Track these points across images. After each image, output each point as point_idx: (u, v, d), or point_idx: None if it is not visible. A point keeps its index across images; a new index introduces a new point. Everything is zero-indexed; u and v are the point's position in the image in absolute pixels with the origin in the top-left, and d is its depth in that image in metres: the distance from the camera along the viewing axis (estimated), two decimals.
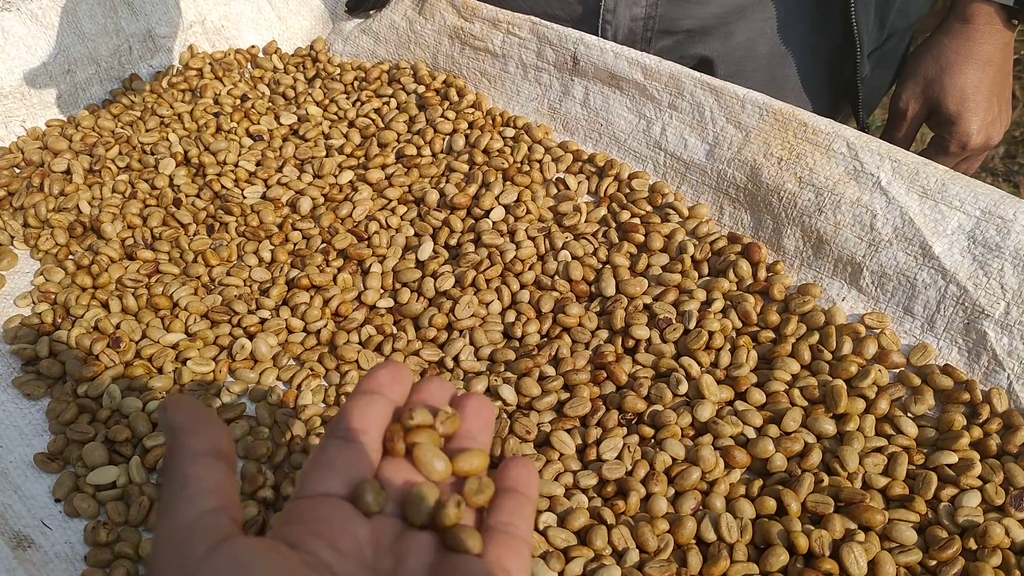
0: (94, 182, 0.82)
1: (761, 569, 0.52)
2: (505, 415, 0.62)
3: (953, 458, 0.57)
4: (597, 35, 0.86)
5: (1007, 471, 0.55)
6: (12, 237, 0.78)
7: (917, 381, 0.62)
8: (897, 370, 0.63)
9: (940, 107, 0.87)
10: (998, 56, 0.84)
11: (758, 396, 0.62)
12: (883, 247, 0.66)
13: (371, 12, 1.00)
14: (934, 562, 0.52)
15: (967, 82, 0.85)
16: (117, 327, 0.68)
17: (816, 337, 0.65)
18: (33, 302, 0.73)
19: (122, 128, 0.88)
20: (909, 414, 0.60)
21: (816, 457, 0.58)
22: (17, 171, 0.84)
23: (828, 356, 0.64)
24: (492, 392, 0.64)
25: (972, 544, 0.53)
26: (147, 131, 0.88)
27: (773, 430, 0.59)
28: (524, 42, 0.87)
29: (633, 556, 0.53)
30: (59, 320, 0.70)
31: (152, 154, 0.85)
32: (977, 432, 0.58)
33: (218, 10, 0.99)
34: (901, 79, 0.90)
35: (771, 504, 0.55)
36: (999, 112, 0.86)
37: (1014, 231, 0.62)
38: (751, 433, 0.60)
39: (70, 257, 0.76)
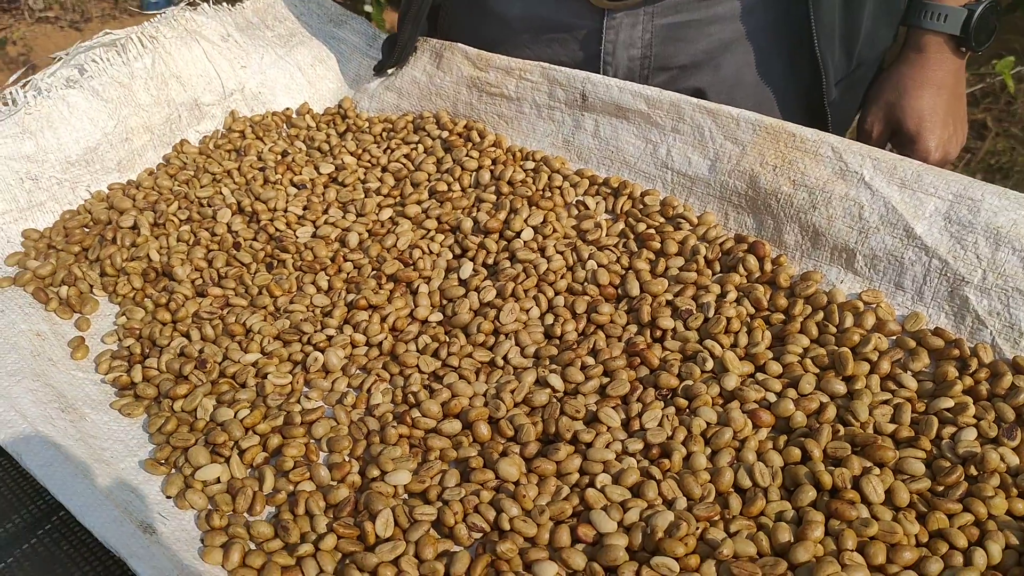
0: (160, 233, 0.91)
1: (793, 505, 0.60)
2: (555, 400, 0.70)
3: (950, 403, 0.65)
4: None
5: (997, 409, 0.64)
6: (91, 286, 0.86)
7: (912, 344, 0.70)
8: (894, 337, 0.72)
9: (901, 128, 0.97)
10: (951, 80, 0.95)
11: (776, 367, 0.70)
12: (872, 233, 0.75)
13: (392, 70, 1.10)
14: (942, 488, 0.60)
15: (924, 105, 0.95)
16: (200, 351, 0.77)
17: (821, 315, 0.74)
18: (119, 338, 0.81)
19: (179, 186, 0.98)
20: (908, 371, 0.69)
21: (831, 412, 0.66)
22: (87, 230, 0.93)
23: (833, 330, 0.72)
24: (541, 382, 0.72)
25: (972, 471, 0.61)
26: (202, 187, 0.97)
27: (792, 393, 0.68)
28: (536, 85, 0.98)
29: (681, 503, 0.61)
30: (147, 351, 0.78)
31: (209, 206, 0.95)
32: (968, 381, 0.67)
33: (255, 79, 1.10)
34: (865, 104, 1.01)
35: (796, 453, 0.63)
36: (955, 131, 0.97)
37: (983, 209, 0.71)
38: (772, 398, 0.68)
39: (147, 298, 0.85)
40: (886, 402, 0.66)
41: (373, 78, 1.12)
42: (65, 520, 0.66)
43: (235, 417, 0.70)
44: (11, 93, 0.94)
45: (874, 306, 0.73)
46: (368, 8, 3.46)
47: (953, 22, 0.91)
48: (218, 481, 0.66)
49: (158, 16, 1.05)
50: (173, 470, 0.67)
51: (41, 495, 0.68)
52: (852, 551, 0.56)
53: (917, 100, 0.95)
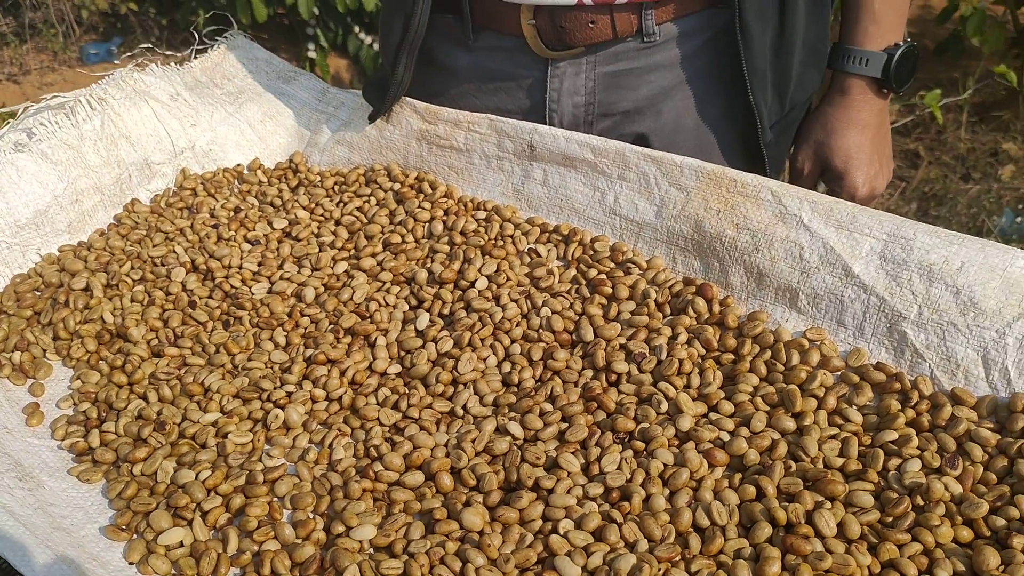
0: (113, 295, 0.91)
1: (750, 542, 0.62)
2: (515, 447, 0.71)
3: (894, 435, 0.68)
4: (545, 122, 0.99)
5: (939, 440, 0.67)
6: (44, 350, 0.86)
7: (856, 379, 0.73)
8: (838, 372, 0.75)
9: (829, 165, 1.02)
10: (874, 120, 1.00)
11: (728, 407, 0.73)
12: (813, 273, 0.78)
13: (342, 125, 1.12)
14: (891, 519, 0.62)
15: (850, 143, 1.00)
16: (159, 414, 0.77)
17: (768, 354, 0.76)
18: (75, 403, 0.80)
19: (131, 246, 0.98)
20: (853, 405, 0.71)
21: (783, 449, 0.68)
22: (38, 293, 0.93)
23: (781, 368, 0.75)
24: (501, 430, 0.73)
25: (919, 501, 0.63)
26: (155, 246, 0.97)
27: (744, 432, 0.70)
28: (485, 137, 1.00)
29: (643, 545, 0.63)
30: (103, 414, 0.78)
31: (163, 265, 0.95)
32: (911, 413, 0.70)
33: (206, 136, 1.10)
34: (796, 143, 1.06)
35: (751, 490, 0.66)
36: (880, 167, 1.02)
37: (915, 247, 0.75)
38: (726, 437, 0.70)
39: (102, 361, 0.84)
40: (834, 436, 0.69)
41: (323, 132, 1.13)
42: None
43: (196, 479, 0.70)
44: None
45: (818, 343, 0.76)
46: (311, 54, 3.48)
47: (874, 66, 0.96)
48: (181, 545, 0.66)
49: (106, 77, 1.06)
50: (135, 535, 0.67)
51: None
52: None
53: (843, 139, 1.00)
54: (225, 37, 1.21)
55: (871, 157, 1.00)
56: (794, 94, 0.99)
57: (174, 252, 0.97)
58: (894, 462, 0.66)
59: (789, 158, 1.08)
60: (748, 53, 0.92)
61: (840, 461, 0.67)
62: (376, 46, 3.44)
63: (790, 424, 0.70)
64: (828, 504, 0.63)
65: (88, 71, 1.17)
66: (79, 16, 4.15)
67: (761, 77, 0.94)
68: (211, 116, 1.12)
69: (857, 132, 0.99)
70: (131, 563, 0.65)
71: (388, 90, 1.03)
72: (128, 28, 4.22)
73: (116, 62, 3.85)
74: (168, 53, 1.10)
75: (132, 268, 0.95)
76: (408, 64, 1.01)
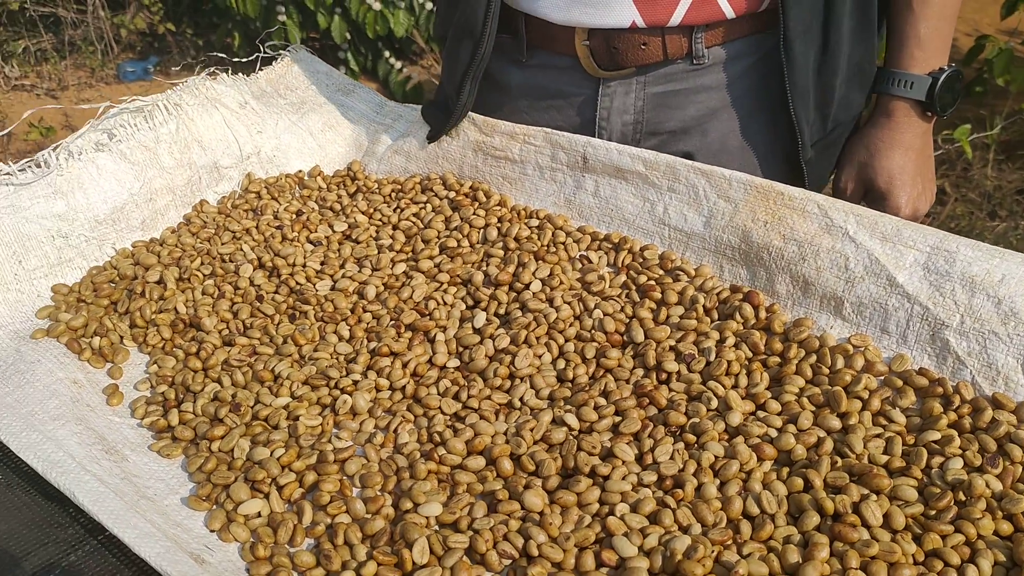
0: (185, 287, 0.96)
1: (799, 530, 0.66)
2: (572, 437, 0.75)
3: (937, 435, 0.71)
4: None
5: (980, 440, 0.70)
6: (121, 337, 0.91)
7: (899, 383, 0.76)
8: (882, 377, 0.78)
9: (872, 186, 1.05)
10: (918, 142, 1.03)
11: (775, 406, 0.76)
12: (857, 282, 0.82)
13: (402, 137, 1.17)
14: (934, 512, 0.65)
15: (893, 165, 1.03)
16: (233, 396, 0.81)
17: (814, 358, 0.80)
18: (152, 385, 0.85)
19: (201, 243, 1.03)
20: (897, 408, 0.75)
21: (829, 445, 0.72)
22: (113, 285, 0.98)
23: (826, 371, 0.79)
24: (557, 421, 0.77)
25: (961, 496, 0.66)
26: (223, 244, 1.02)
27: (791, 429, 0.74)
28: (539, 149, 1.05)
29: (696, 528, 0.66)
30: (181, 396, 0.82)
31: (231, 261, 1.00)
32: (952, 416, 0.73)
33: (270, 143, 1.16)
34: (839, 164, 1.10)
35: (799, 483, 0.69)
36: (923, 189, 1.05)
37: (958, 260, 0.79)
38: (774, 433, 0.74)
39: (176, 348, 0.89)
40: (878, 435, 0.72)
41: (381, 142, 1.18)
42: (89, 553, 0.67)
43: (271, 456, 0.74)
44: (43, 156, 0.99)
45: (862, 349, 0.80)
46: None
47: (919, 89, 1.00)
48: (259, 515, 0.70)
49: (180, 84, 1.12)
50: (215, 506, 0.71)
51: (64, 528, 0.70)
52: (856, 569, 0.61)
53: (887, 160, 1.03)
54: (288, 51, 1.27)
55: (914, 179, 1.03)
56: (837, 113, 1.02)
57: (241, 250, 1.02)
58: (936, 460, 0.69)
59: (832, 178, 1.12)
60: (791, 71, 0.96)
61: (885, 458, 0.70)
62: (405, 71, 3.52)
63: (836, 423, 0.73)
64: (874, 497, 0.66)
65: (125, 88, 1.22)
66: (117, 35, 4.27)
67: (803, 95, 0.98)
68: (276, 124, 1.17)
69: (901, 154, 1.02)
70: (212, 531, 0.69)
71: (451, 114, 1.08)
72: (164, 48, 4.33)
73: (152, 80, 3.96)
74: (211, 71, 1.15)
75: (202, 263, 0.99)
76: (472, 90, 1.06)
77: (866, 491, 0.67)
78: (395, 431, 0.78)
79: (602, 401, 0.79)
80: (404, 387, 0.83)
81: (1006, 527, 0.64)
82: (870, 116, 1.06)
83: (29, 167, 0.98)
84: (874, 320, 0.81)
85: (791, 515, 0.68)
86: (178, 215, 1.09)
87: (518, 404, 0.80)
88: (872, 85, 1.04)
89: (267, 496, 0.71)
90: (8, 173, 0.97)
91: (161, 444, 0.77)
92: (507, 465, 0.73)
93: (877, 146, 1.04)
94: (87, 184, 1.00)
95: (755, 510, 0.67)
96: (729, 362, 0.80)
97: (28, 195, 0.96)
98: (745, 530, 0.66)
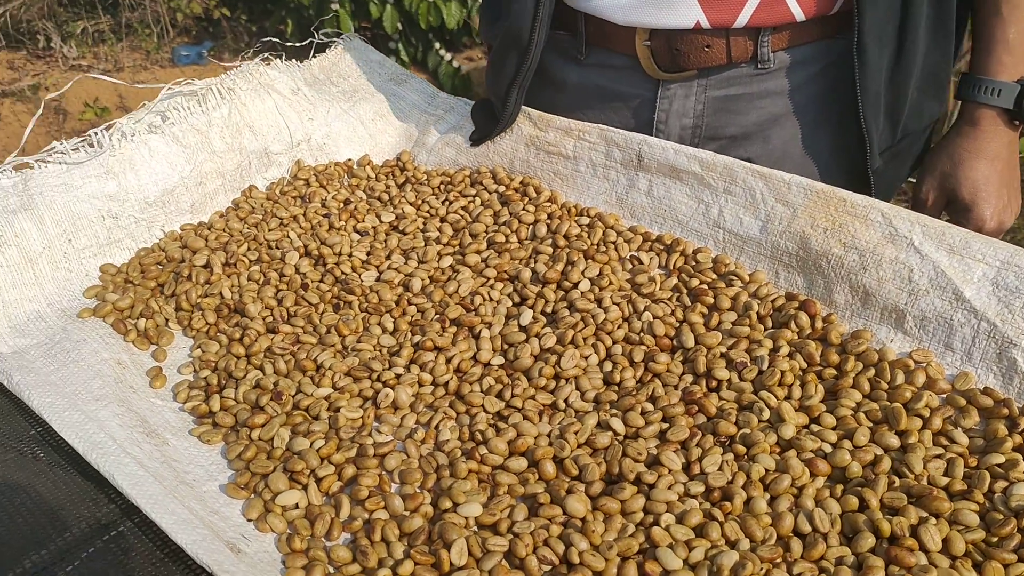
0: (231, 272, 0.96)
1: (852, 551, 0.63)
2: (617, 442, 0.73)
3: (1001, 459, 0.68)
4: None
5: None
6: (167, 319, 0.91)
7: (963, 402, 0.73)
8: (944, 395, 0.75)
9: (956, 197, 1.00)
10: (1004, 152, 0.98)
11: (830, 420, 0.73)
12: (921, 295, 0.79)
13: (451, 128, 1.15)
14: (996, 538, 0.62)
15: (978, 175, 0.98)
16: (275, 385, 0.80)
17: (872, 372, 0.77)
18: (195, 370, 0.85)
19: (249, 228, 1.02)
20: (959, 428, 0.71)
21: (887, 464, 0.69)
22: (160, 267, 0.98)
23: (885, 386, 0.75)
24: (603, 425, 0.75)
25: None
26: (270, 230, 1.02)
27: (847, 444, 0.71)
28: (593, 145, 1.02)
29: (744, 544, 0.64)
30: (223, 382, 0.82)
31: (277, 248, 0.99)
32: (1018, 439, 0.69)
33: (321, 131, 1.15)
34: (921, 173, 1.05)
35: (854, 502, 0.66)
36: (1009, 200, 1.00)
37: None
38: (828, 448, 0.71)
39: (220, 333, 0.89)
40: (939, 456, 0.69)
41: (431, 133, 1.17)
42: (123, 534, 0.67)
43: (311, 447, 0.73)
44: (96, 136, 0.99)
45: (924, 365, 0.77)
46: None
47: (1007, 97, 0.95)
48: (297, 507, 0.69)
49: (234, 69, 1.11)
50: (253, 495, 0.71)
51: (99, 506, 0.69)
52: None
53: (972, 170, 0.98)
54: (342, 39, 1.26)
55: (999, 190, 0.98)
56: (908, 122, 0.99)
57: (288, 237, 1.01)
58: (1000, 484, 0.66)
59: (912, 189, 1.07)
60: (863, 75, 0.92)
61: (945, 480, 0.67)
62: (455, 63, 3.51)
63: (894, 441, 0.70)
64: (933, 520, 0.63)
65: (179, 71, 1.22)
66: (174, 18, 4.34)
67: (874, 100, 0.94)
68: (327, 112, 1.17)
69: (986, 164, 0.98)
70: (249, 520, 0.68)
71: (498, 121, 1.07)
72: (219, 33, 4.38)
73: (205, 64, 4.00)
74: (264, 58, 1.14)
75: (249, 249, 0.99)
76: (519, 98, 1.05)
77: (925, 514, 0.64)
78: (436, 427, 0.77)
79: (649, 407, 0.76)
80: (447, 383, 0.81)
81: None
82: (953, 124, 1.02)
83: (82, 146, 0.98)
84: (938, 335, 0.78)
85: (844, 535, 0.65)
86: (227, 199, 1.08)
87: (563, 406, 0.79)
88: (956, 92, 0.99)
89: (305, 488, 0.70)
90: (61, 152, 0.97)
91: (202, 429, 0.77)
92: (550, 468, 0.71)
93: (961, 155, 0.99)
94: (139, 165, 1.00)
95: (806, 528, 0.65)
96: (783, 372, 0.77)
97: (80, 174, 0.97)
98: (796, 548, 0.63)
